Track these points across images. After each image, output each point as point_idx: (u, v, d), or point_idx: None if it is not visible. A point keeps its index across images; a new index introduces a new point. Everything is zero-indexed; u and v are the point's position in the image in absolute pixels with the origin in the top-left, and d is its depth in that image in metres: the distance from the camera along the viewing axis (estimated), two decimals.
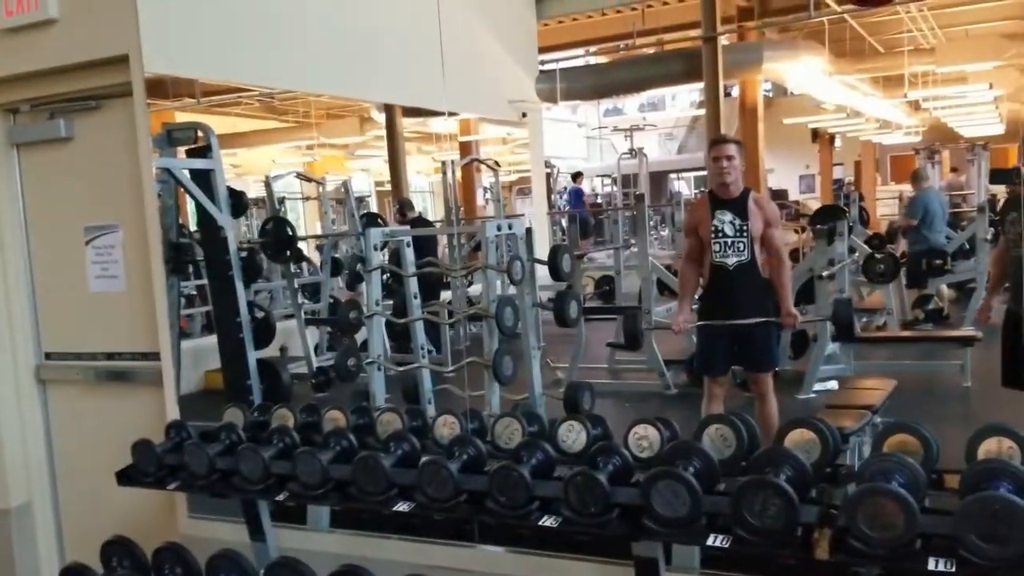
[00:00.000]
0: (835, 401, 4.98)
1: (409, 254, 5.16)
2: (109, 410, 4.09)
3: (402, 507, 2.83)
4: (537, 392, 4.93)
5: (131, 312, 3.91)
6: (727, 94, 15.80)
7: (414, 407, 3.66)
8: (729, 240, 4.72)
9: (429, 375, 5.21)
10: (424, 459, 2.87)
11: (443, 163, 9.42)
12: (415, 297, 5.18)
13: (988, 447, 2.59)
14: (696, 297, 5.12)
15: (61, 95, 3.93)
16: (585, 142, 21.58)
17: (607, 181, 17.70)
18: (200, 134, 6.30)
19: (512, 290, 4.95)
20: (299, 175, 10.04)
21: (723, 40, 11.41)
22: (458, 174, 14.90)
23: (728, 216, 4.73)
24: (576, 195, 16.70)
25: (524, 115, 11.54)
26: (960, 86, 13.93)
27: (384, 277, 7.64)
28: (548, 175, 14.58)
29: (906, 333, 7.71)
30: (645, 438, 2.92)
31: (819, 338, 6.68)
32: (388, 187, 15.55)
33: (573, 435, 3.02)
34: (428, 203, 23.03)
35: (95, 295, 4.02)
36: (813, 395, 6.57)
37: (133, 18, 3.52)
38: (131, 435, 3.54)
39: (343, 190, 8.81)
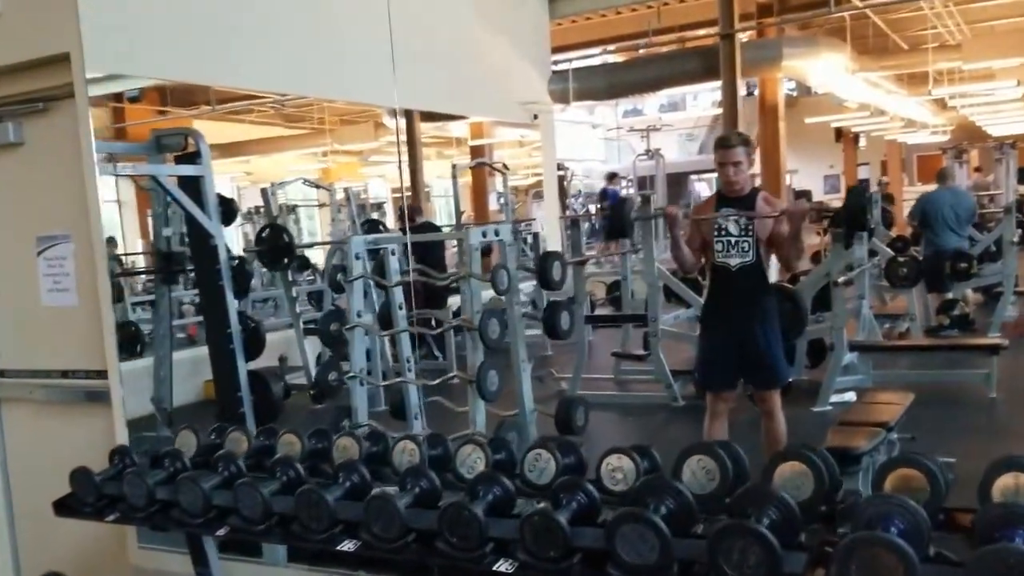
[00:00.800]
0: (847, 417, 4.65)
1: (393, 263, 4.88)
2: (65, 431, 3.83)
3: (347, 546, 2.54)
4: (527, 408, 4.63)
5: (84, 327, 3.64)
6: (750, 93, 15.47)
7: (376, 430, 3.37)
8: (733, 239, 4.40)
9: (416, 389, 4.93)
10: (372, 493, 2.58)
11: (453, 166, 9.14)
12: (400, 308, 4.89)
13: (1005, 484, 2.25)
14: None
15: (7, 97, 3.67)
16: (603, 143, 21.30)
17: (624, 183, 17.38)
18: (190, 140, 6.10)
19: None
20: (306, 182, 9.80)
21: (742, 37, 11.09)
22: (467, 178, 14.69)
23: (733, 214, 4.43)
24: (613, 197, 16.26)
25: (535, 117, 11.26)
26: (987, 83, 13.49)
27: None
28: (561, 178, 14.29)
29: (928, 341, 7.35)
30: (619, 469, 2.62)
31: (836, 347, 6.35)
32: (407, 193, 15.36)
33: (540, 465, 2.72)
34: (452, 207, 22.82)
35: (48, 309, 3.76)
36: (829, 407, 6.24)
37: (73, 14, 3.27)
38: (87, 457, 3.29)
39: (345, 197, 8.56)
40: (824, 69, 11.70)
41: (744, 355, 4.48)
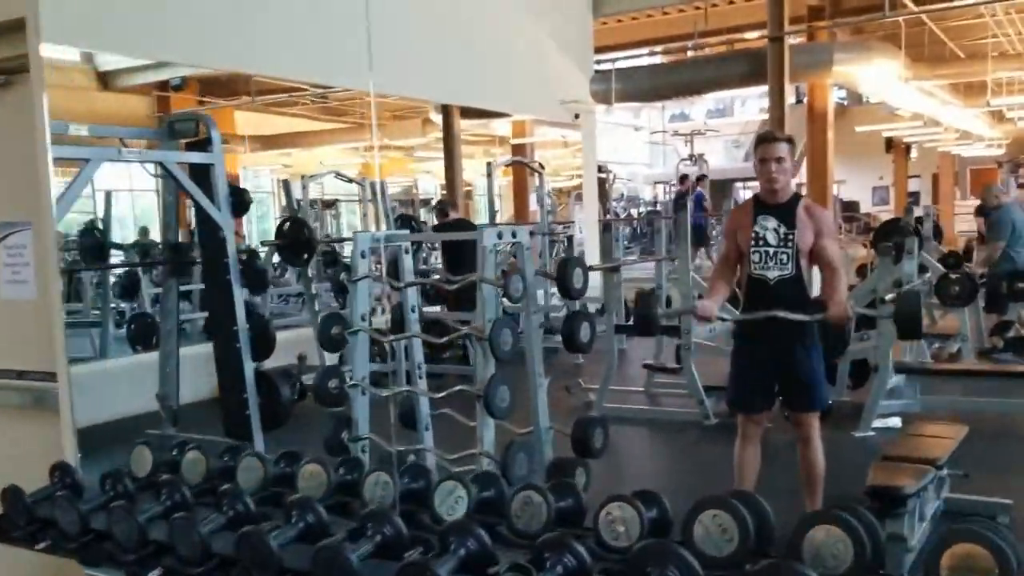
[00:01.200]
0: (892, 451, 4.13)
1: (407, 262, 4.44)
2: (20, 438, 3.40)
3: None
4: (542, 426, 4.15)
5: (43, 324, 3.23)
6: (799, 101, 14.85)
7: (349, 457, 2.94)
8: (771, 250, 3.91)
9: (426, 400, 4.49)
10: (324, 541, 2.14)
11: (488, 164, 8.71)
12: (413, 310, 4.45)
13: None
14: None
15: None
16: (648, 147, 20.78)
17: (672, 187, 16.84)
18: (202, 127, 5.73)
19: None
20: (338, 175, 9.42)
21: (792, 40, 10.57)
22: (505, 176, 14.23)
23: (772, 223, 3.91)
24: (699, 199, 15.58)
25: (577, 116, 10.81)
26: None
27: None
28: (603, 180, 13.79)
29: (978, 366, 6.75)
30: (620, 520, 2.16)
31: (880, 369, 5.81)
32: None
33: (530, 510, 2.27)
34: (497, 206, 22.48)
35: (5, 303, 3.35)
36: (872, 433, 5.71)
37: None
38: (41, 469, 2.90)
39: (373, 191, 8.17)
40: (876, 76, 11.12)
41: (781, 375, 3.99)
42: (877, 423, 5.82)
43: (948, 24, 12.12)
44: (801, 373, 3.95)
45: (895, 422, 5.84)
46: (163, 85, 14.52)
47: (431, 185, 18.36)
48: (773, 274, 3.91)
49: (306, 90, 14.85)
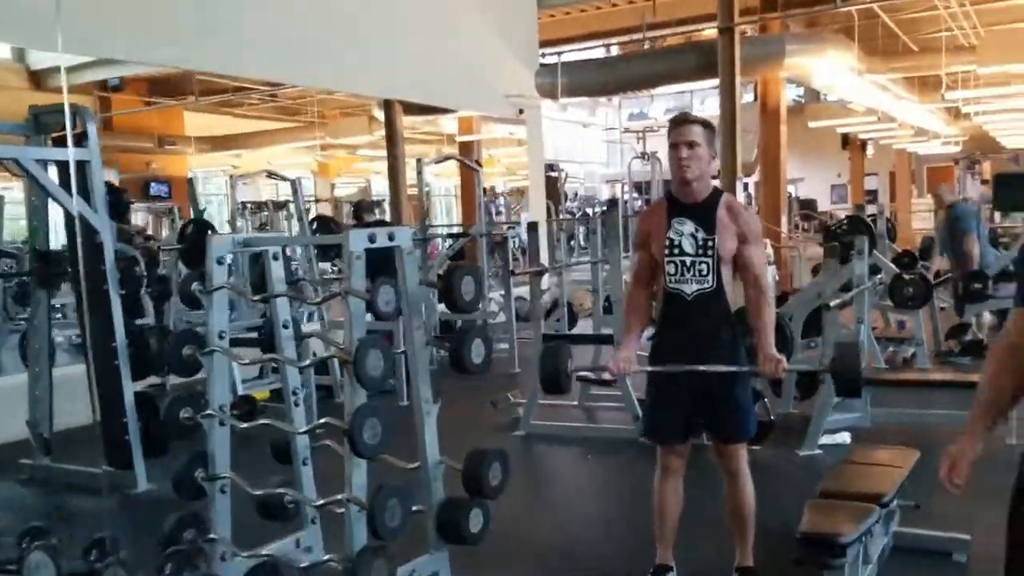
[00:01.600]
0: (831, 486, 3.45)
1: (276, 269, 3.71)
2: None
3: None
4: (431, 461, 3.45)
5: None
6: (757, 99, 14.23)
7: (35, 526, 2.24)
8: (688, 260, 3.21)
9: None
10: None
11: (417, 161, 8.00)
12: (285, 327, 3.73)
13: None
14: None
15: None
16: (605, 146, 20.11)
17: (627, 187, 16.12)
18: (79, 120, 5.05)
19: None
20: (270, 175, 8.70)
21: (745, 31, 9.96)
22: (437, 175, 13.51)
23: (689, 227, 3.21)
24: None
25: (521, 112, 10.12)
26: (1003, 88, 12.20)
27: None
28: (555, 179, 13.10)
29: (932, 376, 6.08)
30: None
31: (827, 381, 5.16)
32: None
33: None
34: (454, 207, 21.83)
35: None
36: (818, 451, 5.07)
37: None
38: None
39: (292, 190, 7.43)
40: (829, 68, 10.51)
41: (703, 401, 3.30)
42: (825, 439, 5.19)
43: (901, 16, 11.54)
44: (724, 397, 3.28)
45: (844, 438, 5.21)
46: (104, 85, 13.73)
47: (384, 186, 17.69)
48: (691, 288, 3.22)
49: (254, 89, 14.12)
